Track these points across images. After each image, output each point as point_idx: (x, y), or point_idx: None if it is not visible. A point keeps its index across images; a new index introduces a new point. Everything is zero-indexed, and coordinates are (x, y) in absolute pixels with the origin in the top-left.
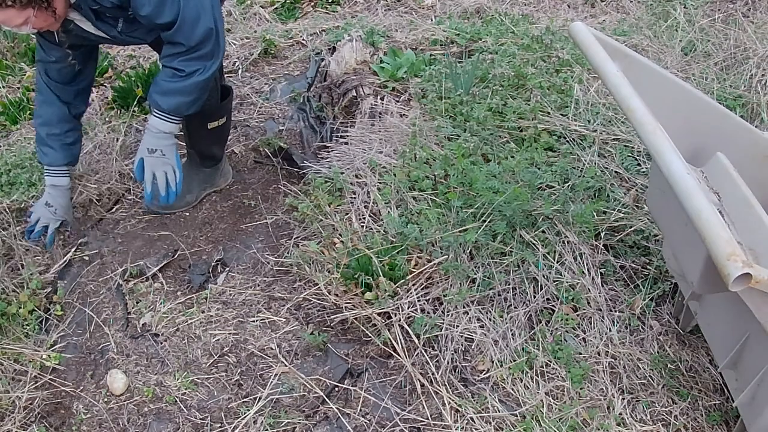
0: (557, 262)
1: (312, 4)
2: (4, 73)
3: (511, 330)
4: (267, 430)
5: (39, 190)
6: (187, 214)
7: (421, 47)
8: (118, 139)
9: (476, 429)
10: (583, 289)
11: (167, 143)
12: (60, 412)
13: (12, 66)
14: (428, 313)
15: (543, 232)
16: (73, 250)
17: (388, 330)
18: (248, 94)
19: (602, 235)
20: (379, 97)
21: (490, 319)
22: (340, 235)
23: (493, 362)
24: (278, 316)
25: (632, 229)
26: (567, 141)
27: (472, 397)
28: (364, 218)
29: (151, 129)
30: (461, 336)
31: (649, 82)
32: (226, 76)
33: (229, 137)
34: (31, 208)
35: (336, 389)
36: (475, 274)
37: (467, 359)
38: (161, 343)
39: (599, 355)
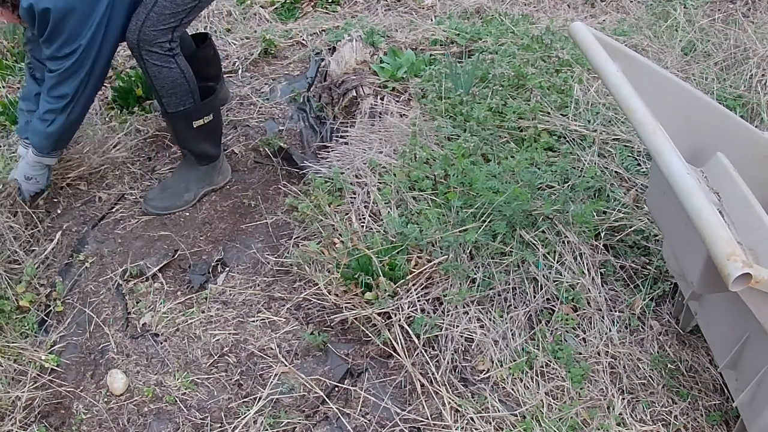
0: (557, 262)
1: (312, 4)
2: (4, 73)
3: (511, 330)
4: (267, 430)
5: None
6: (187, 214)
7: (421, 47)
8: (118, 139)
9: (476, 429)
10: (583, 289)
11: (41, 172)
12: (60, 412)
13: (12, 66)
14: (428, 313)
15: (543, 232)
16: (72, 250)
17: (388, 330)
18: (248, 94)
19: (602, 235)
20: (379, 97)
21: (490, 319)
22: (340, 235)
23: (493, 362)
24: (278, 316)
25: (632, 229)
26: (567, 141)
27: (472, 397)
28: (364, 218)
29: (29, 160)
30: (461, 336)
31: (649, 82)
32: (225, 76)
33: (229, 137)
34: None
35: (336, 389)
36: (475, 274)
37: (467, 359)
38: (161, 343)
39: (599, 355)
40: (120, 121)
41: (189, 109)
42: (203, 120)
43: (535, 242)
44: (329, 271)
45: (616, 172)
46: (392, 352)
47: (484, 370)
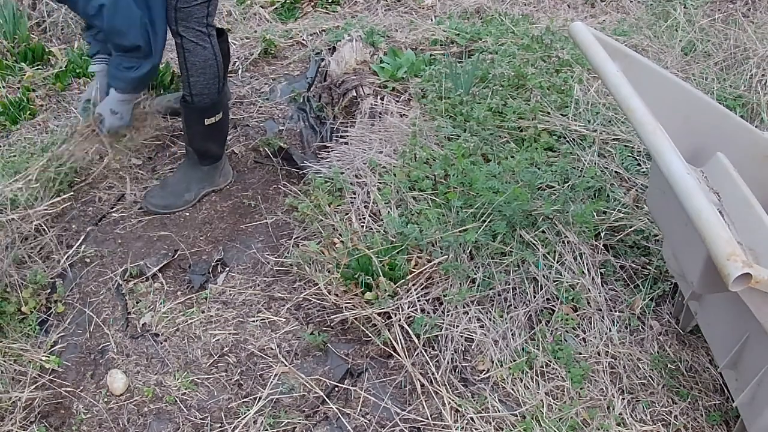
0: (557, 262)
1: (312, 4)
2: (4, 73)
3: (511, 330)
4: (267, 430)
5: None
6: (187, 214)
7: (421, 47)
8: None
9: (476, 429)
10: (583, 289)
11: (127, 107)
12: (60, 412)
13: (12, 66)
14: (428, 313)
15: (543, 232)
16: (72, 250)
17: (388, 330)
18: (248, 94)
19: (602, 235)
20: (379, 97)
21: (490, 319)
22: (340, 235)
23: (493, 362)
24: (278, 316)
25: (632, 229)
26: (567, 141)
27: (472, 397)
28: (364, 218)
29: (115, 96)
30: (461, 336)
31: (649, 82)
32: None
33: (229, 137)
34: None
35: (336, 389)
36: (475, 274)
37: (467, 359)
38: (161, 343)
39: (599, 355)
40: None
41: (205, 106)
42: (214, 118)
43: (535, 242)
44: (329, 271)
45: (616, 172)
46: (392, 352)
47: (484, 370)
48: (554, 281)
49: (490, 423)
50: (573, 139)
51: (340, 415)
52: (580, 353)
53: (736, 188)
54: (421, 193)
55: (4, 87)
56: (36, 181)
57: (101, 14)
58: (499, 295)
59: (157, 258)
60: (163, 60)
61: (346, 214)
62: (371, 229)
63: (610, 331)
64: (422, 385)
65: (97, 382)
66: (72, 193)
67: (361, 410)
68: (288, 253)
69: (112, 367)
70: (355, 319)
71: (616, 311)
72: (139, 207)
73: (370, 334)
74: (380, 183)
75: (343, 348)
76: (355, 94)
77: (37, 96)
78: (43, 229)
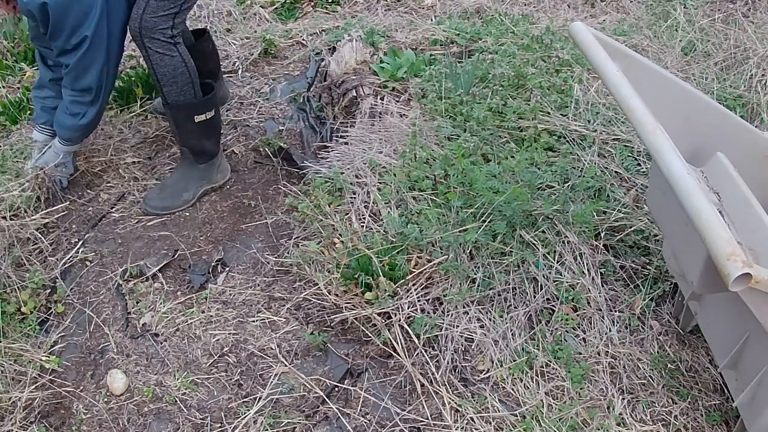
0: (557, 262)
1: (312, 4)
2: (4, 73)
3: (511, 330)
4: (267, 430)
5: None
6: (187, 214)
7: (421, 47)
8: (118, 138)
9: (476, 429)
10: (583, 289)
11: (70, 158)
12: (60, 412)
13: (12, 66)
14: (428, 313)
15: (543, 232)
16: (73, 250)
17: (388, 330)
18: (248, 94)
19: (602, 235)
20: (379, 97)
21: (490, 319)
22: (340, 235)
23: (493, 362)
24: (278, 316)
25: (632, 229)
26: (567, 141)
27: (472, 397)
28: (364, 218)
29: (57, 150)
30: (461, 336)
31: (649, 82)
32: (225, 76)
33: (229, 137)
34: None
35: (336, 389)
36: (475, 274)
37: (467, 359)
38: (161, 343)
39: (599, 355)
40: (120, 121)
41: (190, 102)
42: (205, 116)
43: (535, 242)
44: (329, 271)
45: (616, 172)
46: (392, 352)
47: (484, 370)
48: (554, 281)
49: (490, 423)
50: (573, 139)
51: (340, 415)
52: (580, 353)
53: (736, 188)
54: (421, 193)
55: (4, 87)
56: (31, 190)
57: (81, 47)
58: (499, 295)
59: (157, 258)
60: None
61: (346, 214)
62: (371, 229)
63: (610, 331)
64: (422, 385)
65: (97, 382)
66: (68, 203)
67: (361, 410)
68: (288, 253)
69: (112, 367)
70: (355, 319)
71: (616, 311)
72: (139, 207)
73: (370, 334)
74: (380, 183)
75: (343, 348)
76: (355, 94)
77: None
78: (42, 232)
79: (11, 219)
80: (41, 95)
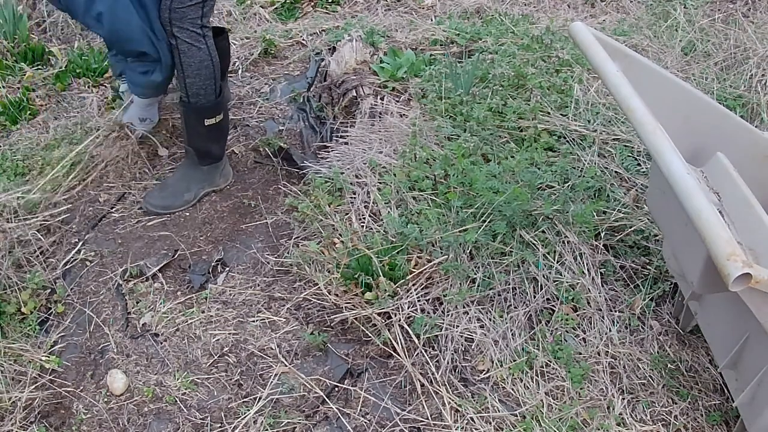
0: (557, 262)
1: (312, 4)
2: (4, 73)
3: (511, 330)
4: (267, 430)
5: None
6: (187, 214)
7: (421, 47)
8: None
9: (476, 429)
10: (583, 289)
11: (153, 111)
12: (60, 412)
13: (12, 66)
14: (428, 313)
15: (543, 232)
16: (73, 251)
17: (388, 330)
18: (248, 94)
19: (602, 235)
20: (379, 97)
21: (490, 319)
22: (340, 235)
23: (493, 362)
24: (278, 316)
25: (632, 229)
26: (567, 141)
27: (472, 397)
28: (364, 218)
29: (139, 104)
30: (461, 336)
31: (649, 82)
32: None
33: (229, 137)
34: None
35: (336, 389)
36: (475, 274)
37: (467, 359)
38: (161, 343)
39: (599, 355)
40: (120, 121)
41: (204, 107)
42: (215, 119)
43: (535, 242)
44: (329, 271)
45: (616, 172)
46: (392, 352)
47: (484, 370)
48: (554, 281)
49: (490, 423)
50: (573, 139)
51: (340, 415)
52: (580, 353)
53: (736, 188)
54: (421, 193)
55: (4, 87)
56: (35, 192)
57: (101, 22)
58: (499, 295)
59: (157, 258)
60: None
61: (346, 214)
62: (371, 229)
63: (610, 331)
64: (422, 385)
65: (97, 382)
66: (69, 205)
67: (361, 410)
68: (288, 253)
69: (112, 367)
70: (355, 319)
71: (616, 311)
72: (139, 207)
73: (370, 334)
74: (380, 183)
75: (343, 348)
76: (355, 94)
77: (37, 96)
78: (43, 233)
79: (13, 221)
80: (112, 52)
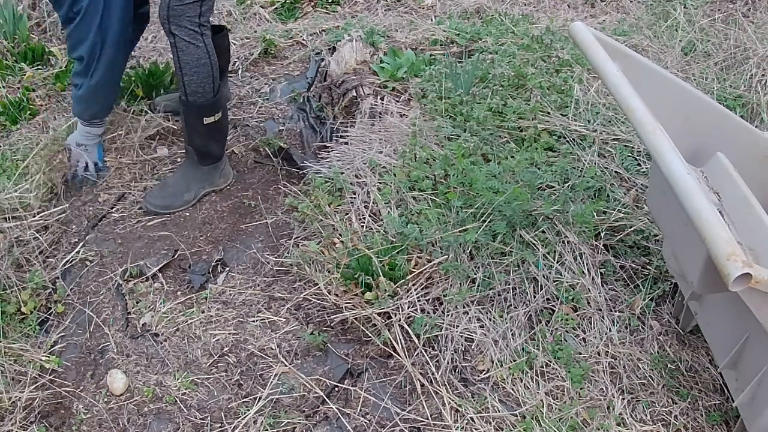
0: (557, 262)
1: (312, 4)
2: (4, 73)
3: (511, 330)
4: (267, 430)
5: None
6: (187, 214)
7: (421, 47)
8: (118, 138)
9: (476, 429)
10: (583, 289)
11: (91, 143)
12: (60, 412)
13: (12, 66)
14: (428, 313)
15: (543, 232)
16: (73, 251)
17: (388, 330)
18: (248, 94)
19: (602, 235)
20: (379, 97)
21: (490, 319)
22: (340, 235)
23: (493, 362)
24: (278, 316)
25: (632, 229)
26: (567, 141)
27: (472, 397)
28: (364, 218)
29: (78, 128)
30: (461, 336)
31: (649, 82)
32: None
33: (229, 137)
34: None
35: (336, 389)
36: (475, 274)
37: (467, 359)
38: (161, 343)
39: (599, 355)
40: (120, 121)
41: (202, 106)
42: (213, 117)
43: (535, 242)
44: (329, 271)
45: (616, 172)
46: (392, 352)
47: (484, 370)
48: (554, 281)
49: (490, 423)
50: (573, 139)
51: (340, 415)
52: (580, 353)
53: (736, 188)
54: (421, 193)
55: (4, 87)
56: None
57: (76, 18)
58: (499, 295)
59: (157, 258)
60: (162, 60)
61: (346, 214)
62: (371, 229)
63: (610, 331)
64: (422, 385)
65: (97, 382)
66: (67, 204)
67: (361, 410)
68: (288, 253)
69: (112, 367)
70: (355, 319)
71: (616, 311)
72: (139, 207)
73: (370, 334)
74: (380, 183)
75: (343, 348)
76: (355, 94)
77: (37, 96)
78: (42, 233)
79: (11, 220)
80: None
